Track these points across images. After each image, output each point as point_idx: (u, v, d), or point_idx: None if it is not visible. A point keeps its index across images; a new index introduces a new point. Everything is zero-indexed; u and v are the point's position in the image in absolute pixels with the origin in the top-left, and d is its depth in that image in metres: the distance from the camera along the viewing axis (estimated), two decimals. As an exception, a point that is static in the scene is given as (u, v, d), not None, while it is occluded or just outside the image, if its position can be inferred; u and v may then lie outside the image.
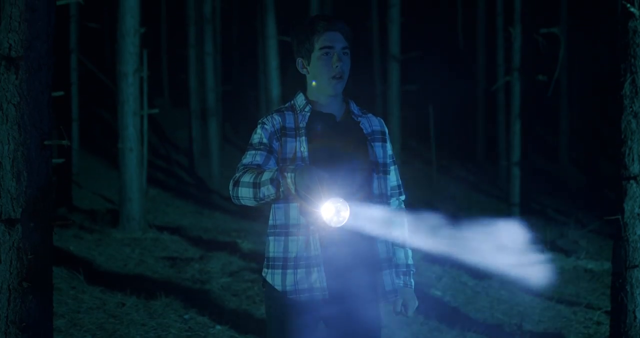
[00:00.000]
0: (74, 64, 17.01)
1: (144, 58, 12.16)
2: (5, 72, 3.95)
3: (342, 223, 3.07)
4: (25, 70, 3.95)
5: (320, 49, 3.38)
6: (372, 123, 3.51)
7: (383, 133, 3.52)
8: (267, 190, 3.13)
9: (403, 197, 3.63)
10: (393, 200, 3.58)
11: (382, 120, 3.57)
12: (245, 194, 3.20)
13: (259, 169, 3.23)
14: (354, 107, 3.51)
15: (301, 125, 3.37)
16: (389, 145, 3.54)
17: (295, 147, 3.34)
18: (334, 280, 3.32)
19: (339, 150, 3.37)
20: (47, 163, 4.06)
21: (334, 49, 3.37)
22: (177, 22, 22.35)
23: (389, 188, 3.49)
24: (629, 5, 5.16)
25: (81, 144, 17.60)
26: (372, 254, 3.39)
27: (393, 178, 3.58)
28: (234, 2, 25.44)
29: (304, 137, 3.35)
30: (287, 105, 3.47)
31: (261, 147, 3.34)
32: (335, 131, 3.41)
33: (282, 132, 3.37)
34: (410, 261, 3.58)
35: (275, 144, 3.36)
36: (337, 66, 3.37)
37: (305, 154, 3.33)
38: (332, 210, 3.04)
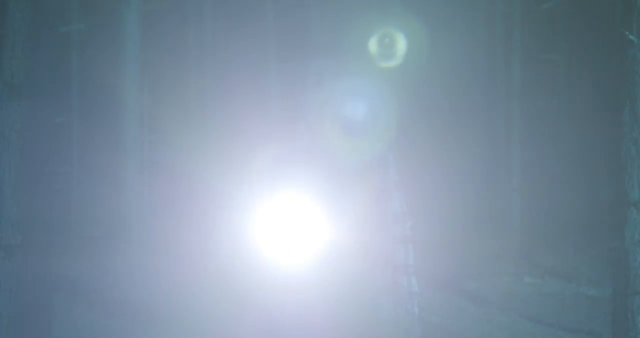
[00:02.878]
0: (75, 90, 17.01)
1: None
2: (7, 99, 3.96)
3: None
4: (27, 96, 3.97)
5: None
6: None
7: (386, 159, 3.52)
8: None
9: (409, 223, 3.61)
10: (397, 226, 3.56)
11: (385, 146, 3.57)
12: None
13: None
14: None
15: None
16: (393, 171, 3.53)
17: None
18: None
19: (338, 176, 3.37)
20: (47, 189, 4.06)
21: None
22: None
23: (391, 214, 3.48)
24: (627, 32, 5.19)
25: (82, 169, 17.55)
26: (372, 281, 3.38)
27: (397, 204, 3.56)
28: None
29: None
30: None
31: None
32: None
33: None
34: (415, 288, 3.55)
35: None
36: None
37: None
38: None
